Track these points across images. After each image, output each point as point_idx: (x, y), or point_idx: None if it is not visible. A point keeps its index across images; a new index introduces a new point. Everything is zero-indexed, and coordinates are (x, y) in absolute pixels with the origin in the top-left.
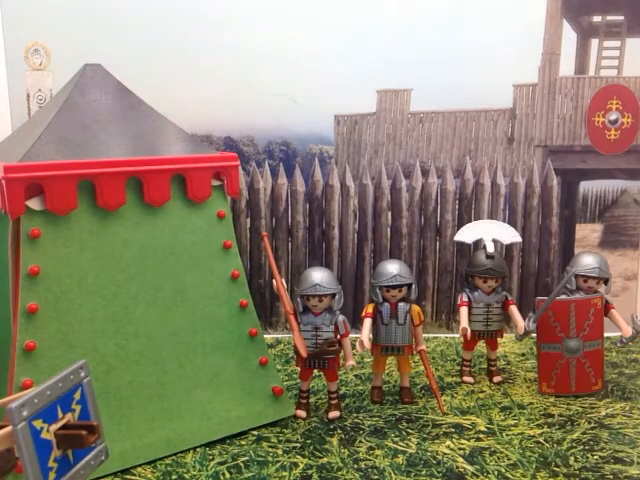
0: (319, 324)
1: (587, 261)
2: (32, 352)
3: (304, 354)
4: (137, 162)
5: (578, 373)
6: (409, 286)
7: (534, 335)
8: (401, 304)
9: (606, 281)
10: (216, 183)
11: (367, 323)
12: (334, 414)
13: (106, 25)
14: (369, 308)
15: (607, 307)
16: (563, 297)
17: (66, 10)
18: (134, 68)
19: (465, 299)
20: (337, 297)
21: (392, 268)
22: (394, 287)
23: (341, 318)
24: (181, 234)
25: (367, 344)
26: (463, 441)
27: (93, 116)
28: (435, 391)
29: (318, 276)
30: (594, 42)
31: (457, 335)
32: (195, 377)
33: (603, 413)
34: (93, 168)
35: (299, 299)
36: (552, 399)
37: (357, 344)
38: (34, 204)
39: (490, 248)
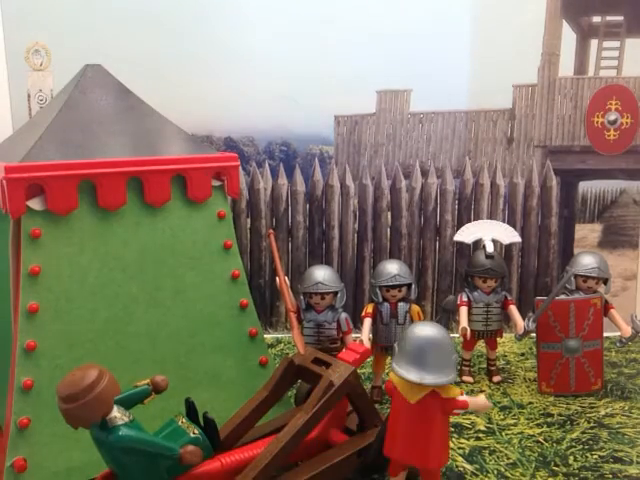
0: (321, 321)
1: (586, 261)
2: (33, 352)
3: (302, 351)
4: (137, 162)
5: (578, 373)
6: (409, 286)
7: (533, 335)
8: (401, 304)
9: (605, 281)
10: (216, 183)
11: (367, 323)
12: None
13: (106, 25)
14: (369, 308)
15: (607, 307)
16: (562, 297)
17: (67, 11)
18: (135, 68)
19: (465, 299)
20: (339, 295)
21: (392, 268)
22: (394, 287)
23: (343, 316)
24: (181, 234)
25: (367, 344)
26: (463, 440)
27: (94, 116)
28: None
29: (320, 274)
30: (593, 42)
31: (457, 335)
32: (195, 377)
33: (602, 413)
34: (94, 168)
35: (301, 296)
36: (551, 399)
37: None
38: (35, 204)
39: (489, 248)
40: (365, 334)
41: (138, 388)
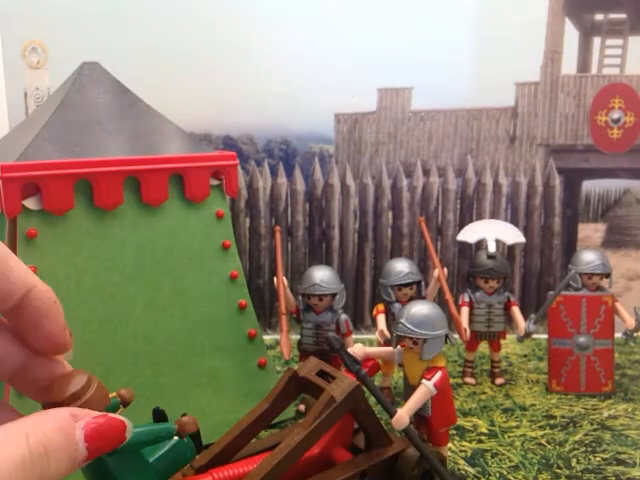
0: (320, 322)
1: (589, 258)
2: None
3: (287, 357)
4: (135, 161)
5: (588, 371)
6: (418, 283)
7: (536, 336)
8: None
9: (607, 275)
10: (215, 182)
11: (381, 318)
12: None
13: (104, 23)
14: (380, 306)
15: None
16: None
17: (64, 8)
18: (132, 66)
19: (466, 299)
20: (338, 296)
21: (402, 266)
22: (406, 285)
23: (343, 317)
24: (179, 234)
25: (387, 333)
26: (465, 443)
27: (91, 115)
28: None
29: (319, 275)
30: (596, 40)
31: (457, 336)
32: (193, 378)
33: (605, 414)
34: (90, 167)
35: (300, 297)
36: (555, 400)
37: (377, 334)
38: (31, 204)
39: (491, 248)
40: (382, 326)
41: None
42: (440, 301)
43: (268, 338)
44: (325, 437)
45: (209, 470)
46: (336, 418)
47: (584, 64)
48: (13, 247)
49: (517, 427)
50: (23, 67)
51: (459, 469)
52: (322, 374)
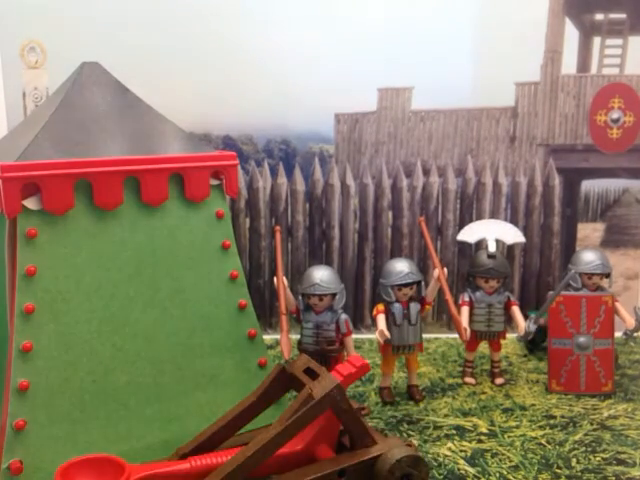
0: (320, 322)
1: (589, 258)
2: (29, 353)
3: (287, 357)
4: (135, 161)
5: (588, 371)
6: (418, 283)
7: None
8: (412, 304)
9: (607, 275)
10: (215, 182)
11: (381, 318)
12: None
13: (103, 23)
14: (380, 306)
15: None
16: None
17: (62, 7)
18: (132, 66)
19: (466, 299)
20: (338, 296)
21: (402, 266)
22: (406, 285)
23: (343, 317)
24: (179, 234)
25: (387, 333)
26: (464, 443)
27: (90, 115)
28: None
29: (319, 275)
30: (596, 40)
31: (457, 335)
32: (193, 379)
33: (605, 414)
34: (90, 167)
35: (300, 297)
36: (554, 400)
37: (378, 334)
38: (31, 204)
39: (492, 248)
40: (382, 326)
41: None
42: (440, 301)
43: (268, 338)
44: (309, 433)
45: (189, 457)
46: (313, 416)
47: (584, 64)
48: (13, 247)
49: (517, 427)
50: (21, 67)
51: (459, 469)
52: (309, 371)
